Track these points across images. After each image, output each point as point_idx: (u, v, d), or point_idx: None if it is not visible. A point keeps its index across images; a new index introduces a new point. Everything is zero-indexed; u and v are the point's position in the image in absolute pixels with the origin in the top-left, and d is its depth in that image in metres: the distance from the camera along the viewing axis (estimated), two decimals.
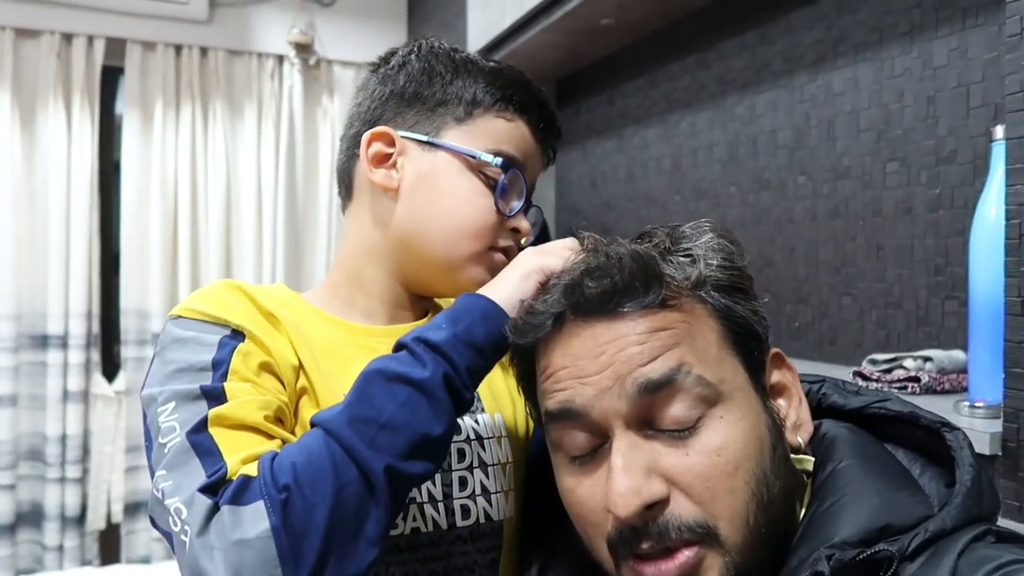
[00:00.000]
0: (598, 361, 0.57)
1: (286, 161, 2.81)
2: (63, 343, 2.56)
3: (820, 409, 0.67)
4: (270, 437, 0.62)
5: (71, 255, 2.56)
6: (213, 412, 0.61)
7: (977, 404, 0.85)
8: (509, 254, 0.79)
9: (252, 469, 0.57)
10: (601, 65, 2.12)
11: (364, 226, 0.80)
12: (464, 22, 2.26)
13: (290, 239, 2.82)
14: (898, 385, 1.01)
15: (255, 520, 0.54)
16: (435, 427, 0.60)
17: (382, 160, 0.78)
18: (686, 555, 0.54)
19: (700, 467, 0.54)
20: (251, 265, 2.76)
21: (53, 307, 2.54)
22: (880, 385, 1.03)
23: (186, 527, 0.56)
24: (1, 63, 2.48)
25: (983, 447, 0.79)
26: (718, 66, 1.67)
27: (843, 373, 1.11)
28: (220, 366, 0.64)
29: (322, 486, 0.56)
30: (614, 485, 0.54)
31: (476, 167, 0.76)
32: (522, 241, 0.80)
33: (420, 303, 0.83)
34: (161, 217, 2.65)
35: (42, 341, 2.57)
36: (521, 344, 0.63)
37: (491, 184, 0.76)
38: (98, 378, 2.62)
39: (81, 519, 2.59)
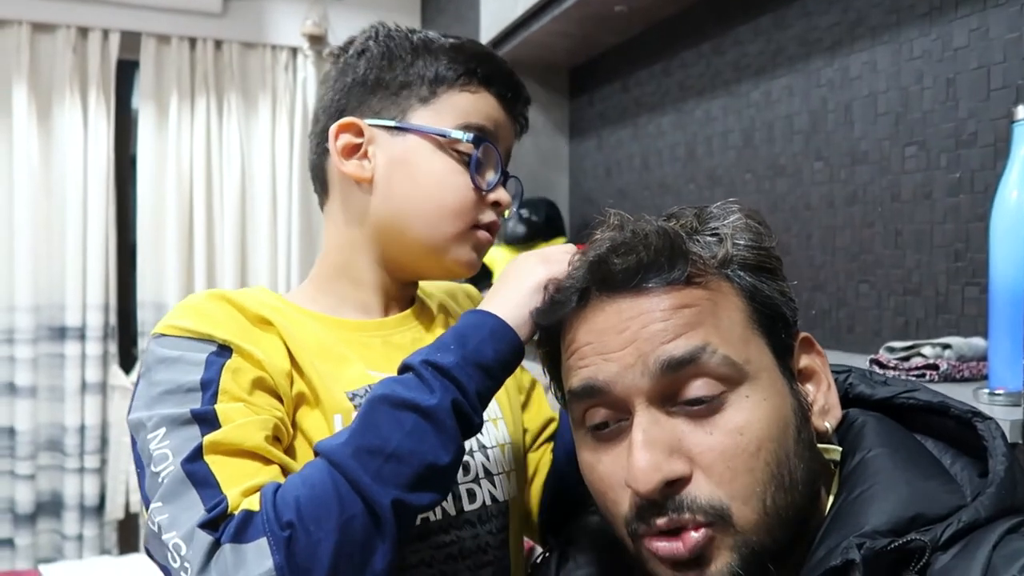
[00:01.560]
0: (621, 337, 0.56)
1: (300, 152, 2.81)
2: (81, 335, 2.58)
3: (847, 399, 0.66)
4: (268, 462, 0.61)
5: (88, 248, 2.58)
6: (208, 439, 0.59)
7: (997, 392, 0.83)
8: (492, 229, 0.78)
9: (254, 503, 0.56)
10: (614, 53, 2.10)
11: (344, 221, 0.78)
12: (477, 12, 2.24)
13: (304, 229, 2.82)
14: (916, 373, 0.99)
15: (258, 559, 0.53)
16: (442, 456, 0.58)
17: (352, 151, 0.76)
18: (695, 536, 0.54)
19: (722, 446, 0.54)
20: (266, 256, 2.77)
21: (71, 299, 2.57)
22: (897, 373, 1.01)
23: (186, 564, 0.54)
24: (18, 57, 2.50)
25: None
26: (732, 52, 1.65)
27: (860, 361, 1.09)
28: (209, 386, 0.62)
29: (327, 521, 0.54)
30: (634, 460, 0.54)
31: (447, 145, 0.75)
32: (505, 213, 0.79)
33: (407, 291, 0.82)
34: (177, 210, 2.66)
35: (60, 333, 2.59)
36: (546, 324, 0.63)
37: (465, 160, 0.75)
38: (115, 370, 2.64)
39: (100, 509, 2.62)
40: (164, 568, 0.58)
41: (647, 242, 0.57)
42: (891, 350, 1.06)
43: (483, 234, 0.77)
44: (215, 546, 0.54)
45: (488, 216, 0.77)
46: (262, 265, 2.77)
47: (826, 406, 0.61)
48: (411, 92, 0.75)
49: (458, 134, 0.74)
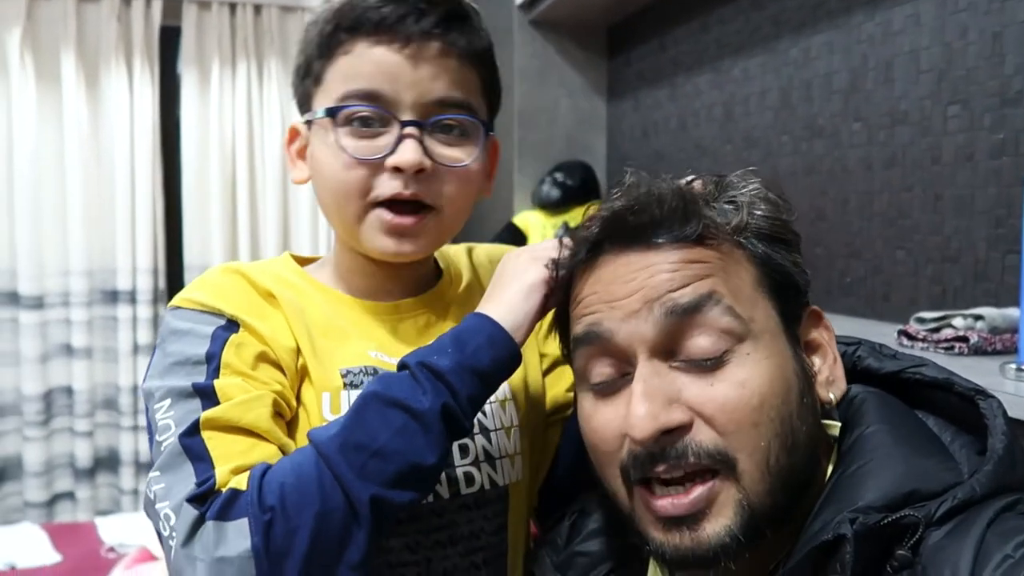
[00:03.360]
0: (628, 286, 0.56)
1: None
2: (132, 298, 2.66)
3: (855, 372, 0.65)
4: (264, 440, 0.62)
5: (136, 213, 2.65)
6: (205, 415, 0.60)
7: None
8: (398, 203, 0.68)
9: (242, 482, 0.58)
10: (652, 10, 2.04)
11: None
12: None
13: None
14: (945, 345, 0.95)
15: (238, 538, 0.55)
16: (428, 457, 0.59)
17: (303, 153, 0.74)
18: (700, 490, 0.53)
19: (724, 397, 0.54)
20: (307, 219, 2.80)
21: (121, 263, 2.65)
22: (926, 345, 0.97)
23: (174, 534, 0.57)
24: (65, 27, 2.55)
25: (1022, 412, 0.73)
26: (772, 6, 1.58)
27: (894, 331, 1.05)
28: (213, 359, 0.64)
29: (307, 510, 0.56)
30: (633, 409, 0.54)
31: (326, 127, 0.68)
32: (443, 166, 0.68)
33: (415, 271, 0.76)
34: (220, 174, 2.71)
35: (112, 296, 2.68)
36: (558, 276, 0.64)
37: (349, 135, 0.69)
38: None
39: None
40: (159, 533, 0.60)
41: (661, 200, 0.57)
42: (921, 321, 1.02)
43: (382, 213, 0.68)
44: (200, 521, 0.56)
45: (386, 186, 0.67)
46: (304, 226, 2.81)
47: (831, 378, 0.60)
48: (309, 78, 0.71)
49: (320, 112, 0.68)
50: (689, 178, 0.63)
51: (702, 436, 0.54)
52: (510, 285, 0.65)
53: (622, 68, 2.22)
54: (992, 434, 0.54)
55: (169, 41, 2.76)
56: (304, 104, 0.73)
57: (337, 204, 0.70)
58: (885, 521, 0.50)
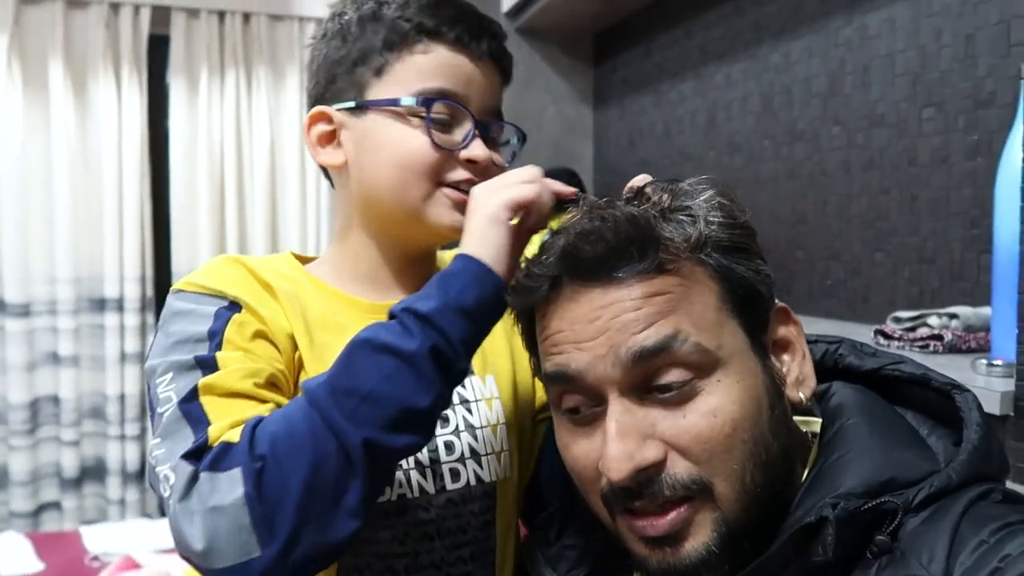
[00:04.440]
0: (593, 327, 0.56)
1: None
2: (119, 306, 2.65)
3: (836, 370, 0.66)
4: (262, 402, 0.63)
5: (124, 221, 2.64)
6: (203, 381, 0.62)
7: (995, 363, 0.79)
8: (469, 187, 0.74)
9: (235, 435, 0.58)
10: (638, 17, 2.05)
11: (342, 206, 0.80)
12: None
13: (333, 201, 2.85)
14: (920, 344, 0.96)
15: (231, 487, 0.56)
16: (420, 400, 0.59)
17: (328, 139, 0.77)
18: (675, 513, 0.54)
19: (696, 429, 0.54)
20: (296, 227, 2.80)
21: (109, 271, 2.63)
22: (902, 344, 0.98)
23: (172, 491, 0.58)
24: (52, 34, 2.55)
25: (994, 407, 0.74)
26: (753, 12, 1.60)
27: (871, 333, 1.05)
28: (215, 336, 0.66)
29: (299, 457, 0.56)
30: (608, 450, 0.54)
31: (404, 114, 0.73)
32: (495, 164, 0.75)
33: (421, 267, 0.80)
34: (209, 182, 2.70)
35: (100, 304, 2.66)
36: (520, 305, 0.63)
37: (426, 124, 0.73)
38: None
39: (141, 474, 2.70)
40: (160, 498, 0.61)
41: (616, 229, 0.56)
42: (898, 320, 1.02)
43: (454, 192, 0.73)
44: (195, 475, 0.57)
45: (458, 174, 0.73)
46: (292, 235, 2.80)
47: (800, 376, 0.61)
48: (365, 67, 0.74)
49: (408, 100, 0.72)
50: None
51: (677, 468, 0.54)
52: (481, 220, 0.66)
53: (608, 75, 2.24)
54: (967, 426, 0.55)
55: (157, 49, 2.76)
56: (348, 91, 0.75)
57: (404, 183, 0.73)
58: (866, 507, 0.51)
